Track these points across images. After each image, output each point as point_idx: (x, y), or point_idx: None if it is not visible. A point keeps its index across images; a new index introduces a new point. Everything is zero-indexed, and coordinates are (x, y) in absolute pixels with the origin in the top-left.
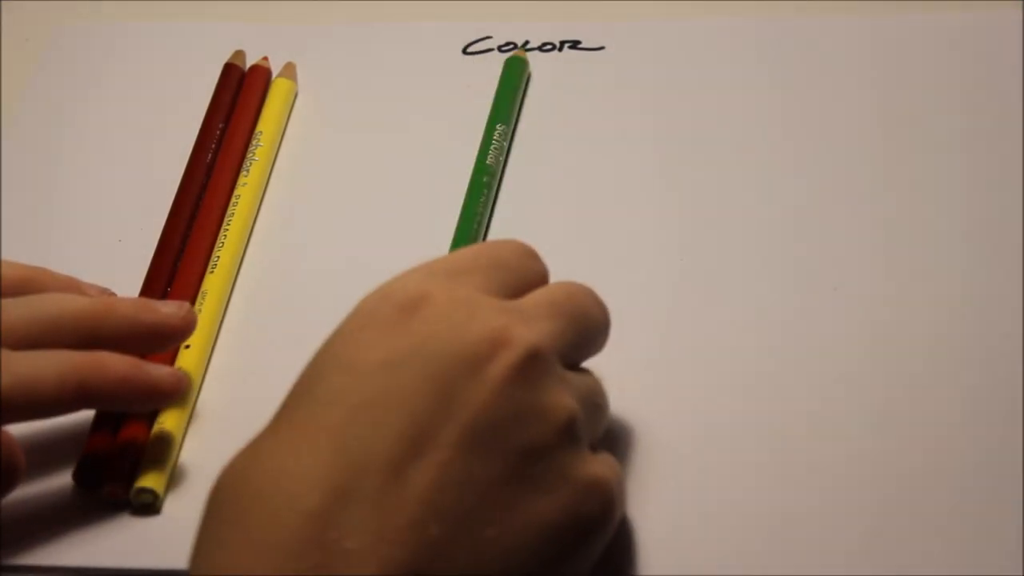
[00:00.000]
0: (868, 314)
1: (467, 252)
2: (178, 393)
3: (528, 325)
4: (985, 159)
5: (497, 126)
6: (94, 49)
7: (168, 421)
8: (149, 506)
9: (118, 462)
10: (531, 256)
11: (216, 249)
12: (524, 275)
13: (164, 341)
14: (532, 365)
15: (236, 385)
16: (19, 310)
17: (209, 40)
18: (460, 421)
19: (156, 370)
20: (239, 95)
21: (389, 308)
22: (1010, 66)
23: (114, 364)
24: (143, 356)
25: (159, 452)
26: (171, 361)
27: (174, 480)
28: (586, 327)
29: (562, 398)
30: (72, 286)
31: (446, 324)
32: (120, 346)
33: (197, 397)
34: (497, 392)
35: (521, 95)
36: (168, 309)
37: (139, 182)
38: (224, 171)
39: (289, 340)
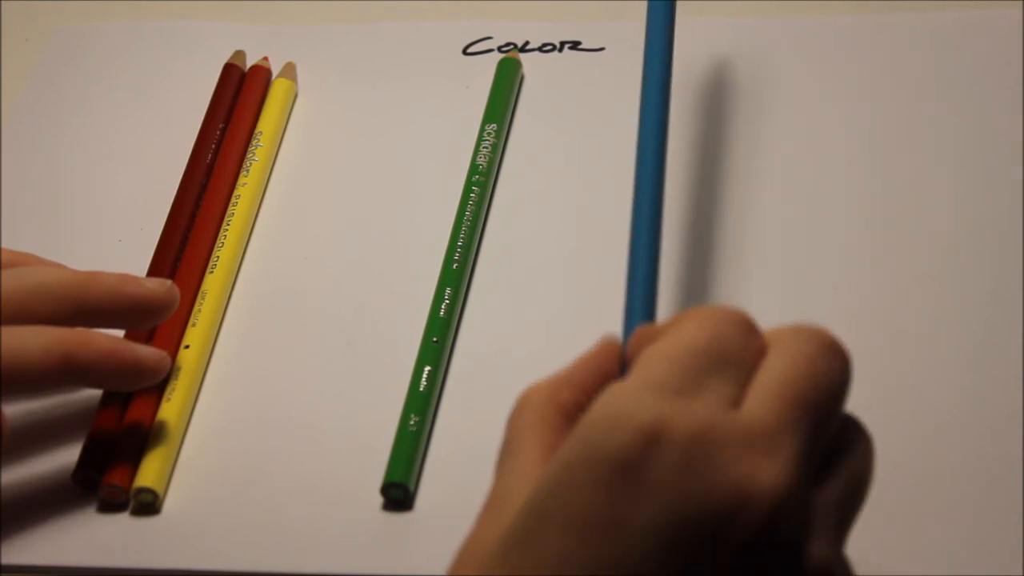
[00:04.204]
0: (868, 314)
1: (692, 344)
2: (162, 372)
3: (773, 458)
4: (985, 159)
5: (488, 127)
6: (94, 49)
7: (168, 421)
8: (149, 506)
9: (118, 458)
10: (752, 331)
11: (216, 249)
12: (749, 358)
13: (147, 314)
14: (781, 519)
15: (236, 385)
16: (4, 281)
17: (209, 40)
18: None
19: (141, 348)
20: (239, 95)
21: (618, 446)
22: (1010, 66)
23: (100, 339)
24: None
25: (159, 452)
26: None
27: (174, 480)
28: (832, 408)
29: (813, 555)
30: (59, 267)
31: (683, 473)
32: (104, 317)
33: (197, 397)
34: (742, 557)
35: (514, 96)
36: (151, 284)
37: (139, 182)
38: (224, 171)
39: (288, 340)
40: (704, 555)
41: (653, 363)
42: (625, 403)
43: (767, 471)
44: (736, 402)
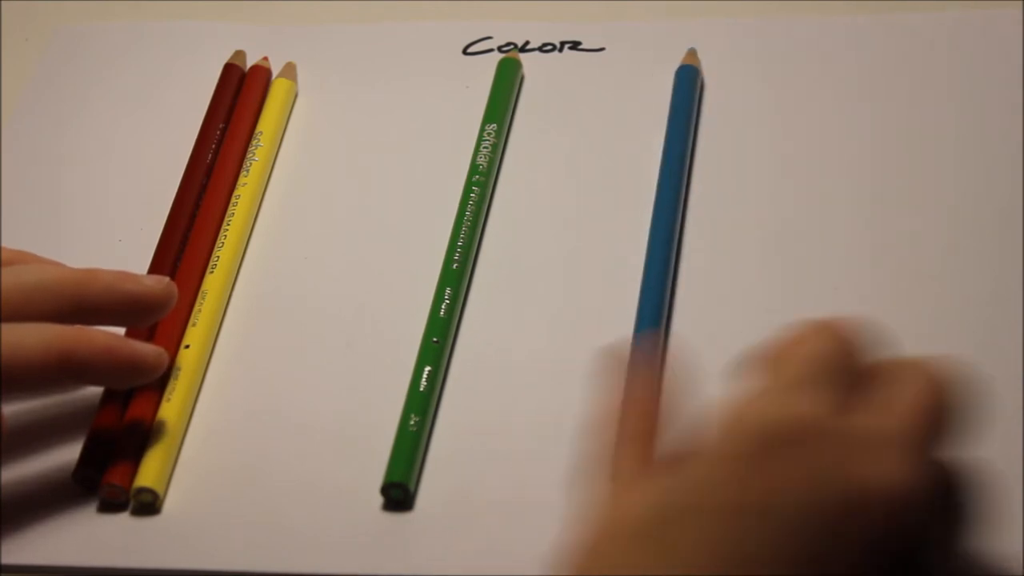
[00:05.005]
0: (868, 314)
1: (813, 351)
2: (160, 368)
3: (902, 461)
4: (985, 159)
5: (488, 127)
6: (94, 49)
7: (168, 420)
8: (149, 506)
9: (118, 458)
10: (867, 345)
11: (216, 249)
12: (868, 370)
13: (146, 312)
14: (910, 515)
15: (236, 385)
16: (3, 279)
17: (209, 40)
18: None
19: (139, 344)
20: (239, 95)
21: (749, 438)
22: (1010, 66)
23: (98, 335)
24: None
25: (159, 452)
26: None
27: (174, 480)
28: (955, 429)
29: (934, 560)
30: (57, 265)
31: (819, 464)
32: (102, 315)
33: (197, 397)
34: (872, 547)
35: (515, 96)
36: (149, 281)
37: (139, 182)
38: (224, 171)
39: (288, 340)
40: (837, 543)
41: (777, 365)
42: (760, 403)
43: (897, 469)
44: (861, 410)
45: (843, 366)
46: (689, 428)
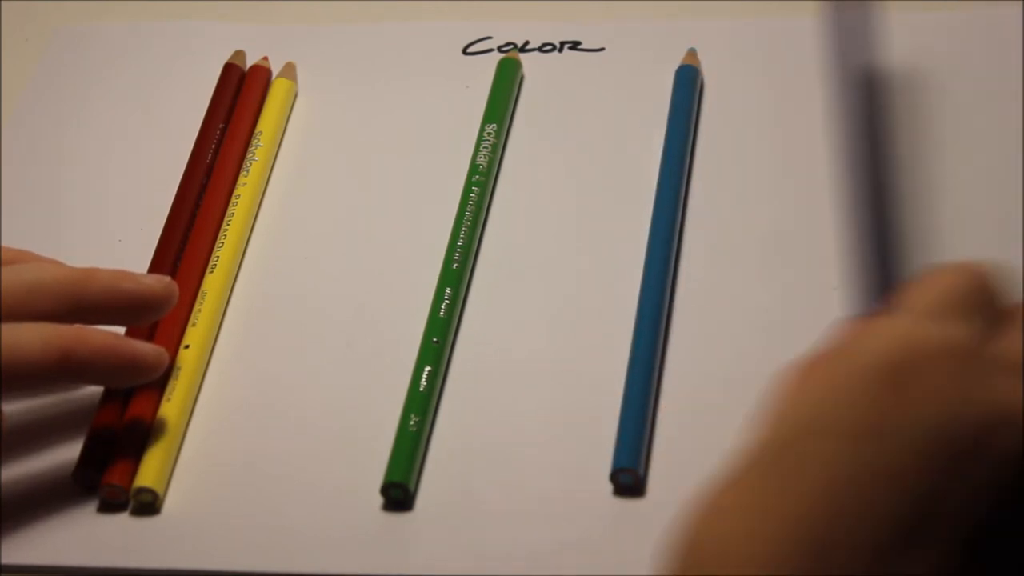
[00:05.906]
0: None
1: (951, 287)
2: (160, 367)
3: None
4: (985, 159)
5: (488, 127)
6: (94, 49)
7: (168, 420)
8: (149, 506)
9: (118, 458)
10: (1000, 288)
11: (216, 249)
12: (999, 310)
13: (145, 311)
14: None
15: (236, 385)
16: (2, 278)
17: (209, 40)
18: (960, 511)
19: (138, 344)
20: (239, 95)
21: (883, 357)
22: (1010, 66)
23: (97, 334)
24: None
25: (159, 451)
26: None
27: (174, 480)
28: None
29: None
30: (57, 264)
31: (947, 384)
32: (101, 314)
33: (197, 397)
34: (997, 471)
35: (514, 96)
36: (149, 280)
37: (139, 182)
38: (224, 171)
39: (288, 340)
40: (962, 464)
41: (912, 297)
42: (887, 322)
43: None
44: (996, 342)
45: (980, 302)
46: (825, 344)
